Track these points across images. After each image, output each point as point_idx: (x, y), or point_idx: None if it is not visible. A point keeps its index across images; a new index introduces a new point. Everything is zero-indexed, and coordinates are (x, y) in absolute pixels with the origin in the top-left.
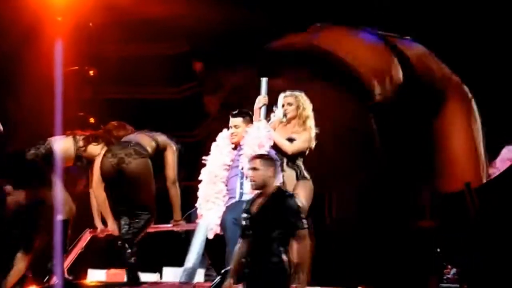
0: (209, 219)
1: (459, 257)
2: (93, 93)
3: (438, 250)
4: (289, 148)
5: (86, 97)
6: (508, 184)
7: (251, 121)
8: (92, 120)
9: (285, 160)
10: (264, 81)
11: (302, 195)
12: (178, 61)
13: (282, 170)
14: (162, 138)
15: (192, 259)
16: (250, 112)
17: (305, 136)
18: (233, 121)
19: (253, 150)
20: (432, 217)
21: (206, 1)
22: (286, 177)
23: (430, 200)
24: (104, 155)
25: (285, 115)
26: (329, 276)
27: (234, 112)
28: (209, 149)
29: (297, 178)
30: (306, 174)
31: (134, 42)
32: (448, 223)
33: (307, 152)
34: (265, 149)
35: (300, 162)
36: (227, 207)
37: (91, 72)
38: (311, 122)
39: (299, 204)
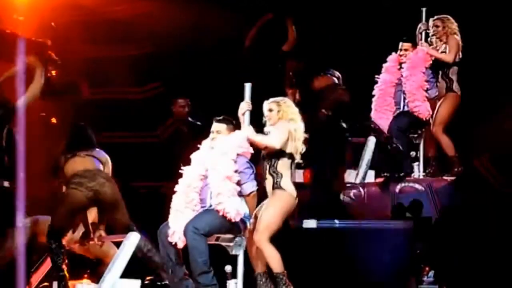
0: (176, 228)
1: (436, 258)
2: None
3: (418, 251)
4: (270, 140)
5: (49, 99)
6: (473, 182)
7: (234, 129)
8: (54, 120)
9: (267, 167)
10: (247, 86)
11: (271, 205)
12: (142, 61)
13: (256, 178)
14: (102, 154)
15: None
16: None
17: (280, 125)
18: (216, 126)
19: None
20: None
21: (170, 1)
22: (267, 184)
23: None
24: (74, 188)
25: (266, 122)
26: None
27: (219, 118)
28: (171, 150)
29: (273, 187)
30: (284, 183)
31: (98, 43)
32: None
33: (294, 156)
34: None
35: (283, 169)
36: (194, 216)
37: (54, 73)
38: (294, 123)
39: None
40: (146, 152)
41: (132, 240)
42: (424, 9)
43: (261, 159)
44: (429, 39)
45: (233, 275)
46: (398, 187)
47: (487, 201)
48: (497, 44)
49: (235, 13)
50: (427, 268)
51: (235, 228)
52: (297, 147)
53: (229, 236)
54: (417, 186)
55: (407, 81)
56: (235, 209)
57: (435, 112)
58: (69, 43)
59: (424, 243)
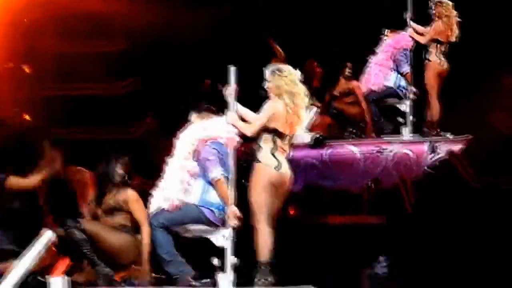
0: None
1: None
2: (28, 90)
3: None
4: (245, 129)
5: (22, 94)
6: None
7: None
8: (27, 117)
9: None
10: (232, 70)
11: (251, 184)
12: (116, 57)
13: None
14: None
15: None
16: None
17: (264, 108)
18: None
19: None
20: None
21: None
22: None
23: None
24: None
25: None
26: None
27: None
28: (144, 147)
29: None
30: (261, 156)
31: (72, 38)
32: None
33: (281, 131)
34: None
35: (264, 143)
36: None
37: (27, 69)
38: (290, 97)
39: None
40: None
41: (46, 235)
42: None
43: None
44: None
45: (223, 268)
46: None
47: (459, 196)
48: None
49: (209, 9)
50: (380, 258)
51: (203, 218)
52: (292, 124)
53: (204, 227)
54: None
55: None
56: (169, 198)
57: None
58: (42, 39)
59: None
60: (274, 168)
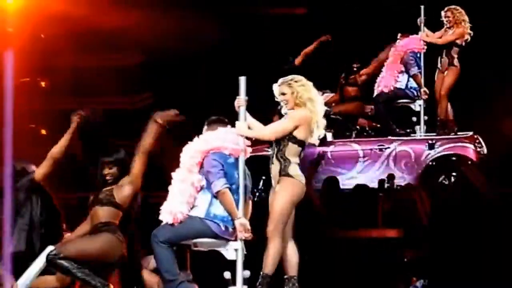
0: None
1: (424, 267)
2: (45, 104)
3: (405, 260)
4: (262, 132)
5: (38, 108)
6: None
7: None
8: (43, 132)
9: (275, 151)
10: (242, 80)
11: (280, 195)
12: (131, 72)
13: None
14: None
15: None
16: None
17: (291, 115)
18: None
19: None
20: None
21: (159, 12)
22: (273, 169)
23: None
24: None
25: (282, 107)
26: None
27: (212, 119)
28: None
29: (279, 173)
30: (292, 170)
31: (88, 53)
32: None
33: (305, 140)
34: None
35: (291, 155)
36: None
37: (43, 83)
38: (312, 104)
39: None
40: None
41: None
42: (422, 7)
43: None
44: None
45: (234, 281)
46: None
47: (474, 206)
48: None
49: (223, 21)
50: (414, 278)
51: (208, 231)
52: (312, 131)
53: (211, 240)
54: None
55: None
56: (169, 212)
57: (441, 82)
58: (59, 54)
59: (413, 251)
60: (304, 186)
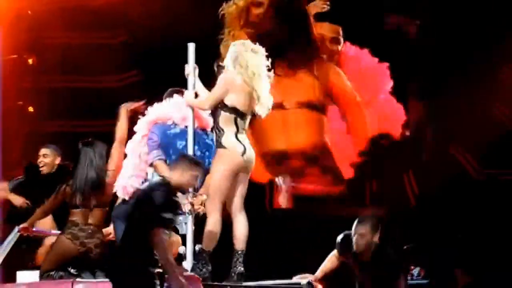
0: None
1: (421, 255)
2: (33, 82)
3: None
4: (200, 103)
5: (26, 86)
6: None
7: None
8: (31, 109)
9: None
10: (191, 46)
11: (213, 168)
12: (119, 49)
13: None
14: None
15: None
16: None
17: (218, 79)
18: None
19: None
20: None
21: None
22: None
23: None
24: (69, 239)
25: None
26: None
27: (171, 90)
28: None
29: (216, 145)
30: (225, 141)
31: (75, 30)
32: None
33: (240, 109)
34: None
35: (225, 125)
36: None
37: (31, 61)
38: (244, 70)
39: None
40: None
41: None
42: None
43: None
44: None
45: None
46: None
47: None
48: None
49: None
50: (412, 266)
51: None
52: (243, 97)
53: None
54: None
55: None
56: (121, 186)
57: None
58: (46, 31)
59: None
60: (241, 155)
